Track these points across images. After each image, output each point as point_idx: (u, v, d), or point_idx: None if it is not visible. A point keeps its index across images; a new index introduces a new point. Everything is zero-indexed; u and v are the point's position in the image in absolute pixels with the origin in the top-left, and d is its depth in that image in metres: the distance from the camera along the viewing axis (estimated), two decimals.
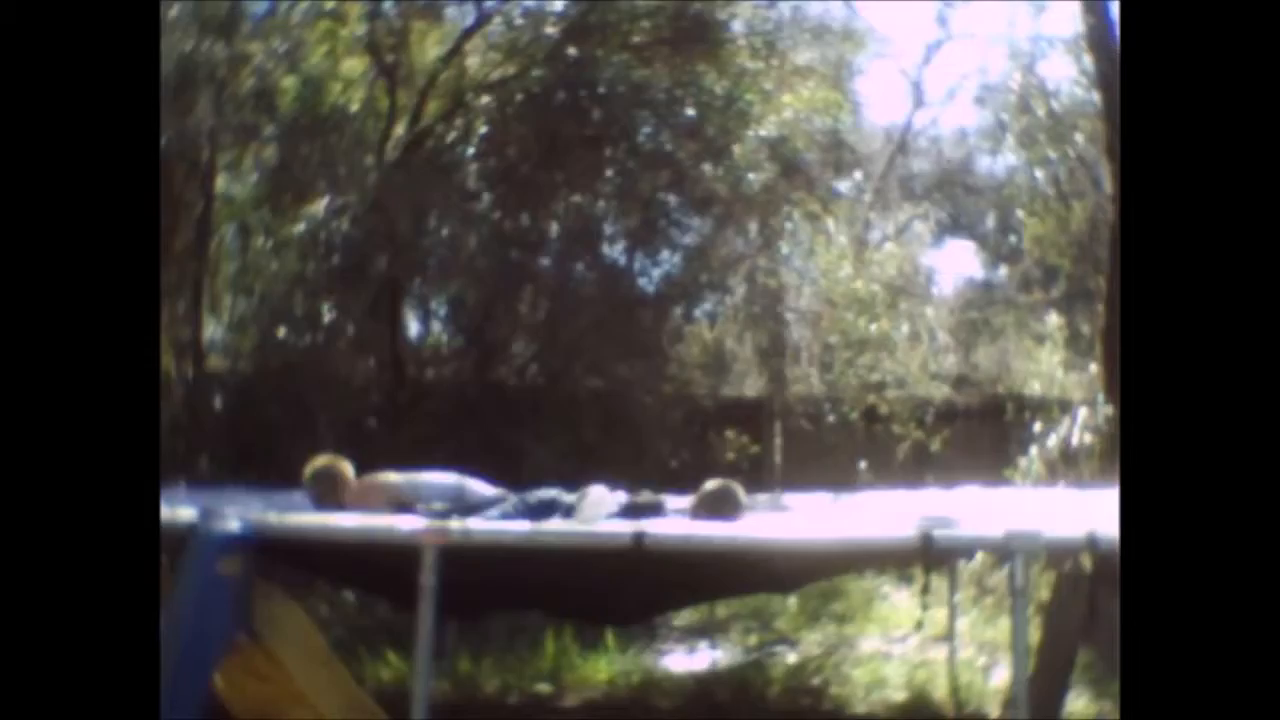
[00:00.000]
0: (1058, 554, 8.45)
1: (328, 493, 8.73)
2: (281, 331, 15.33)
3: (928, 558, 7.99)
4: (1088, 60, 16.51)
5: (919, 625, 10.40)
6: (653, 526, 7.31)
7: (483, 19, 16.69)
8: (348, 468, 8.91)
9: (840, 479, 12.33)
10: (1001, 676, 9.50)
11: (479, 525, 7.46)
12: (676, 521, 8.46)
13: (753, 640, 11.27)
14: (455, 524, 7.18)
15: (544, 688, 9.82)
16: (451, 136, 16.44)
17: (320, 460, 9.05)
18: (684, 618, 11.86)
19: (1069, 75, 19.37)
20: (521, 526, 7.75)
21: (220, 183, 16.06)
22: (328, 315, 15.37)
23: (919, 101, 26.90)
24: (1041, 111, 19.84)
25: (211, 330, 16.05)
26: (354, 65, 16.62)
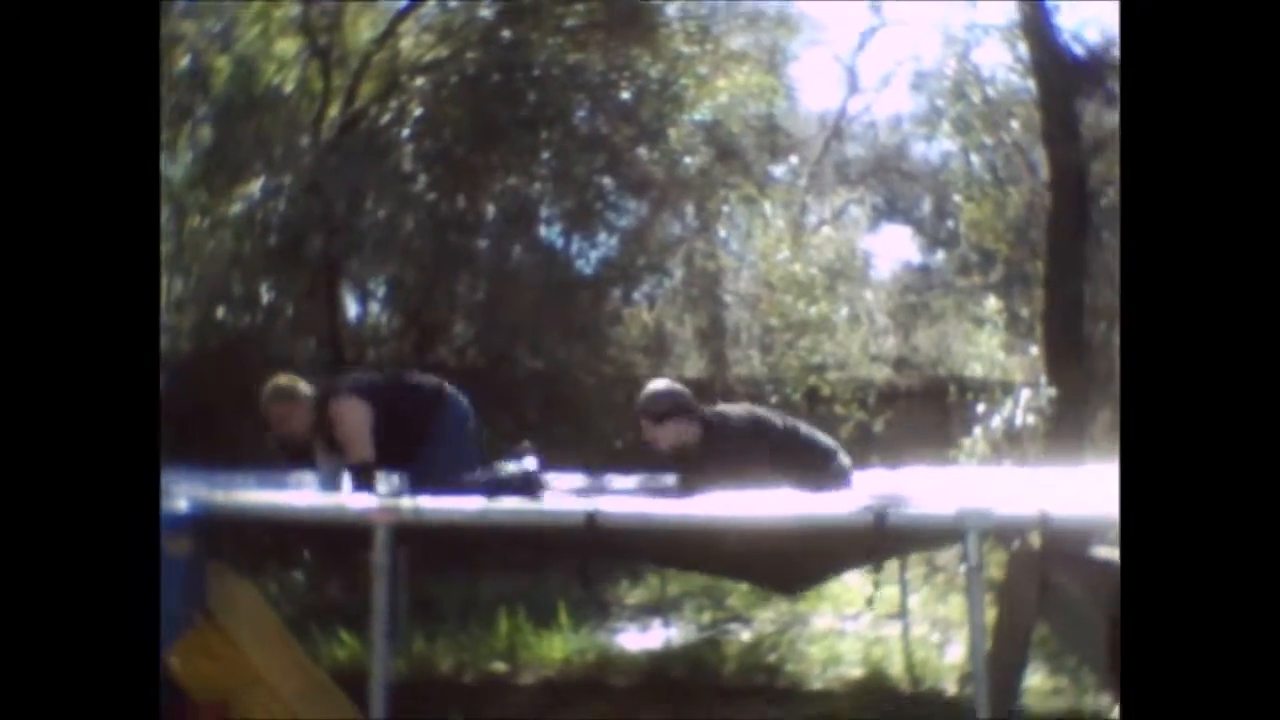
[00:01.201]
0: (1008, 532, 8.46)
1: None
2: (220, 312, 15.22)
3: (881, 536, 7.94)
4: (1022, 48, 16.60)
5: (870, 602, 10.43)
6: (605, 504, 7.32)
7: (416, 1, 16.59)
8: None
9: None
10: (956, 653, 9.53)
11: (430, 503, 7.40)
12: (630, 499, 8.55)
13: (706, 618, 11.25)
14: (406, 502, 7.12)
15: (499, 666, 9.77)
16: (386, 118, 16.35)
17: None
18: (636, 595, 11.90)
19: (1004, 62, 19.42)
20: (474, 504, 7.71)
21: None
22: (266, 296, 15.29)
23: (853, 88, 27.11)
24: (976, 98, 19.88)
25: None
26: (287, 46, 16.49)
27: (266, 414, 8.75)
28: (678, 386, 8.87)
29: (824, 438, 8.90)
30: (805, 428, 8.88)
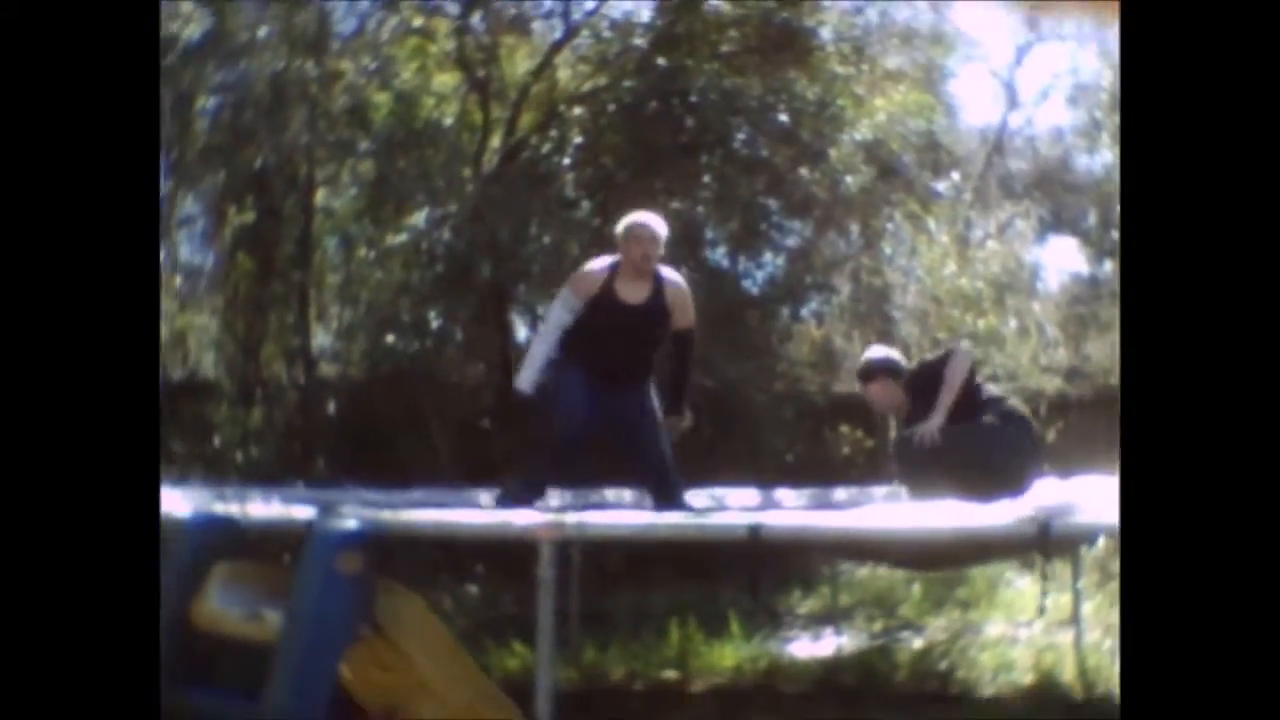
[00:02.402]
0: None
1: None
2: (390, 338, 15.41)
3: (1045, 544, 7.96)
4: None
5: (1040, 610, 10.36)
6: (769, 518, 7.39)
7: (570, 32, 16.78)
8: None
9: None
10: None
11: (595, 519, 7.52)
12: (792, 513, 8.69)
13: (877, 626, 11.25)
14: (571, 518, 7.25)
15: (670, 674, 9.82)
16: (547, 147, 16.45)
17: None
18: (808, 605, 11.90)
19: None
20: (638, 519, 7.81)
21: (320, 197, 16.22)
22: (435, 322, 15.42)
23: (1012, 103, 26.87)
24: None
25: (320, 339, 16.22)
26: (445, 80, 16.76)
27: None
28: (888, 353, 10.20)
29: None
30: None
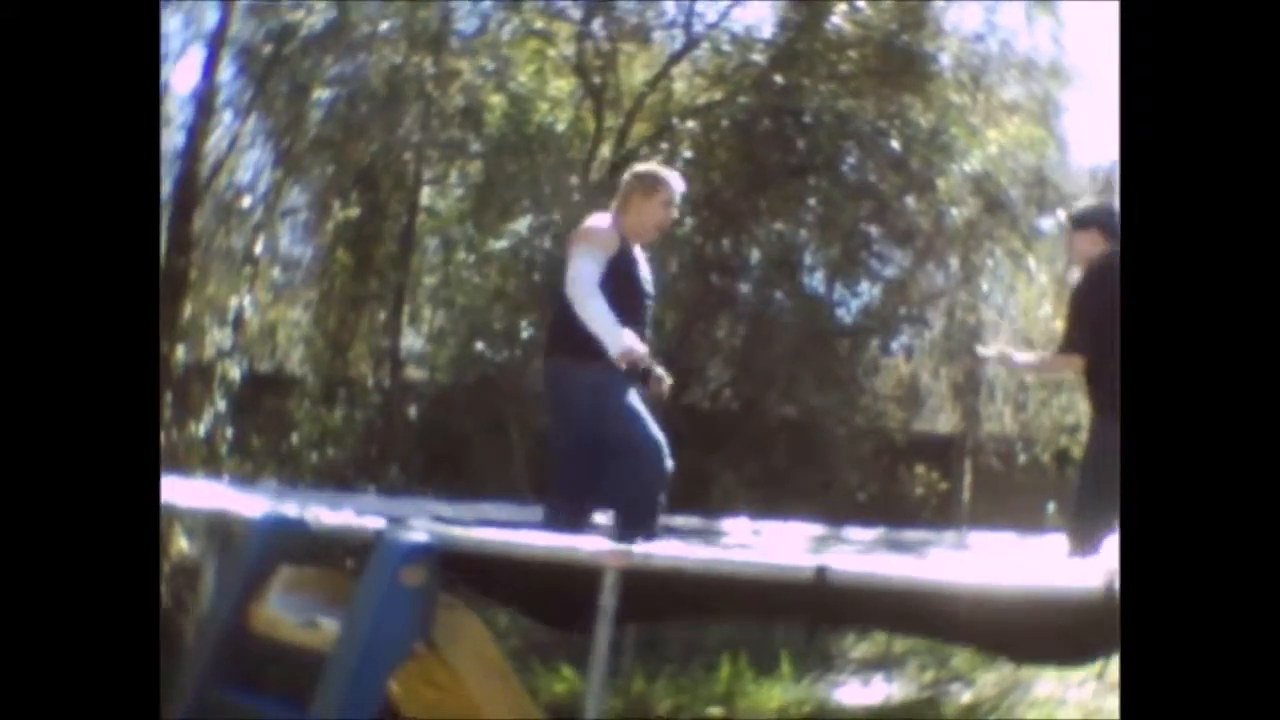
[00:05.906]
0: None
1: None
2: (480, 345, 15.48)
3: (1108, 606, 7.88)
4: None
5: (1099, 675, 10.29)
6: (837, 561, 7.32)
7: (691, 44, 16.84)
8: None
9: (1028, 521, 12.22)
10: None
11: (662, 550, 7.48)
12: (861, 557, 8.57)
13: (928, 676, 11.20)
14: (639, 548, 7.20)
15: (716, 711, 9.83)
16: (656, 160, 16.52)
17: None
18: (862, 650, 11.85)
19: None
20: (703, 553, 7.78)
21: (425, 196, 16.36)
22: (526, 332, 15.45)
23: None
24: None
25: (410, 340, 16.40)
26: (561, 86, 16.88)
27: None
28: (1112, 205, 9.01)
29: None
30: None
